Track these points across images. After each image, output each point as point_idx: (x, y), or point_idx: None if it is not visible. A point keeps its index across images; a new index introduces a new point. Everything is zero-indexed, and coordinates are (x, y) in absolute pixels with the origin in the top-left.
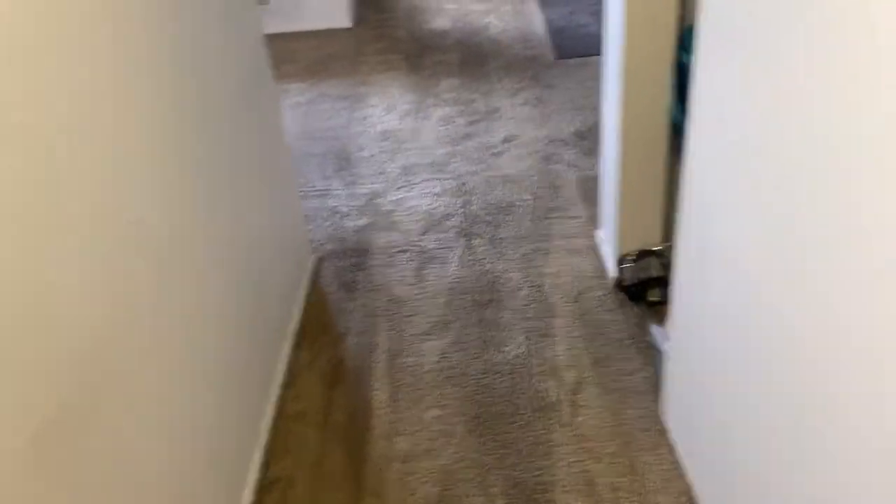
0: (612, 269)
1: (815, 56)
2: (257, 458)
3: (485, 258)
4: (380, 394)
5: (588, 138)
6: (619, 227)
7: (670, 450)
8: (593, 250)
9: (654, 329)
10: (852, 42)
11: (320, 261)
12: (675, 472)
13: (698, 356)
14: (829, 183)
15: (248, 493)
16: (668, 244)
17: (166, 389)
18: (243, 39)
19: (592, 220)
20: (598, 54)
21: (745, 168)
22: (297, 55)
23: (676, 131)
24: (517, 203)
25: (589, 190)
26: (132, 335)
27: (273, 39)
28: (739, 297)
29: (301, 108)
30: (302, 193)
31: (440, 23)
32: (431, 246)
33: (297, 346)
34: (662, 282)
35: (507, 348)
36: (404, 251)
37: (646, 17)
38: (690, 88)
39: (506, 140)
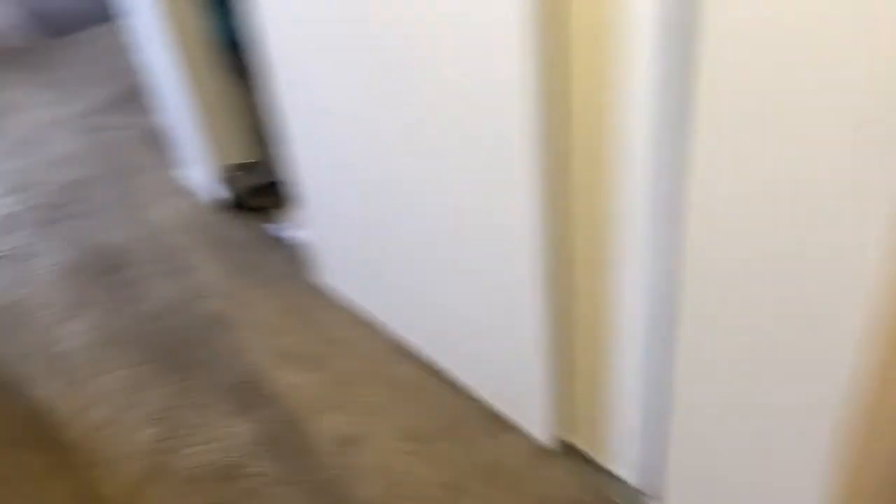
0: (210, 195)
1: None
2: None
3: (82, 234)
4: (44, 391)
5: (130, 100)
6: (207, 158)
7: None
8: (184, 189)
9: (270, 227)
10: None
11: None
12: (356, 316)
13: (337, 211)
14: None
15: None
16: (255, 160)
17: None
18: None
19: (173, 166)
20: (91, 27)
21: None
22: None
23: (229, 48)
24: (88, 180)
25: (154, 144)
26: None
27: None
28: (352, 147)
29: None
30: None
31: None
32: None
33: None
34: (261, 189)
35: (156, 295)
36: None
37: None
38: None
39: (37, 126)
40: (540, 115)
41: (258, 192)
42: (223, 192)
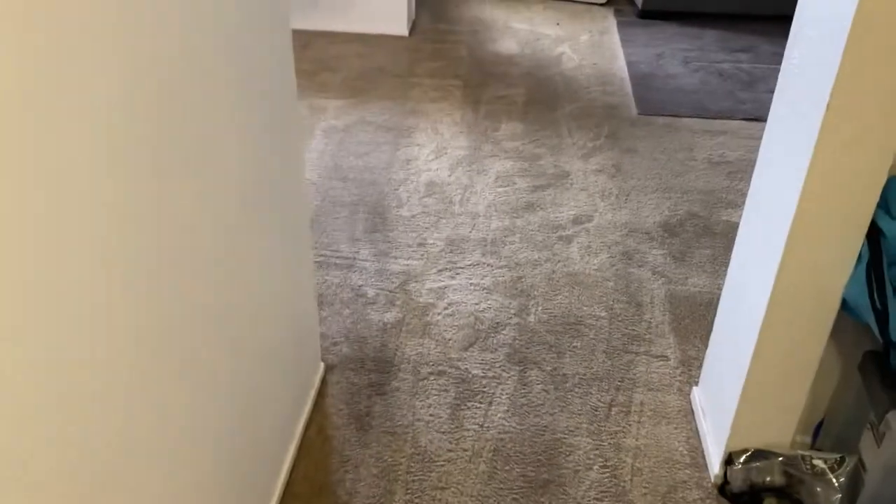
0: (714, 461)
1: None
2: None
3: (543, 405)
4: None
5: (679, 235)
6: (735, 410)
7: None
8: (688, 418)
9: None
10: None
11: (329, 371)
12: None
13: None
14: None
15: None
16: (800, 452)
17: None
18: (265, 37)
19: (686, 366)
20: (690, 116)
21: None
22: (340, 63)
23: (848, 312)
24: (588, 321)
25: (680, 316)
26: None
27: (314, 38)
28: None
29: (336, 136)
30: (321, 259)
31: (507, 45)
32: (475, 371)
33: None
34: (783, 495)
35: None
36: (440, 373)
37: (842, 145)
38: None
39: (576, 221)
40: None
41: (761, 494)
42: (723, 471)
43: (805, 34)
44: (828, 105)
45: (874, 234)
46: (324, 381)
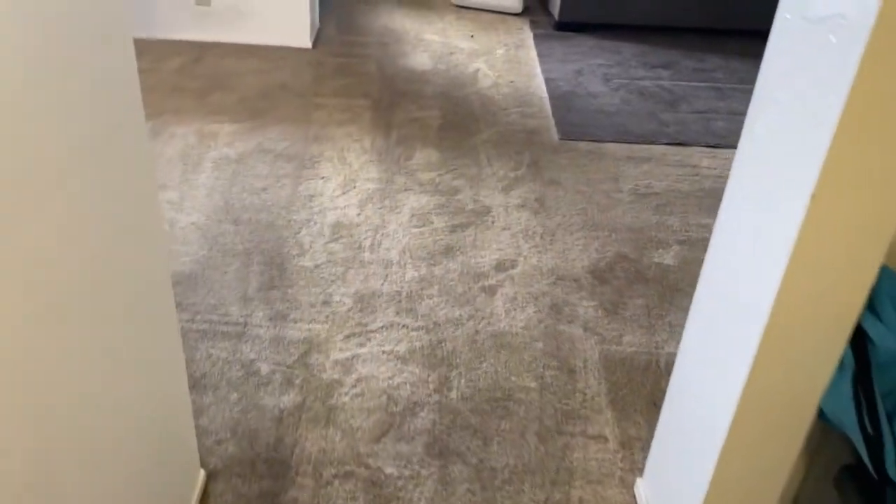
0: None
1: None
2: None
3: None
4: None
5: (609, 282)
6: None
7: None
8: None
9: None
10: None
11: (211, 480)
12: None
13: None
14: None
15: None
16: None
17: None
18: (95, 49)
19: (628, 449)
20: (613, 140)
21: None
22: (236, 80)
23: (826, 422)
24: (517, 394)
25: (618, 384)
26: None
27: (206, 51)
28: None
29: (228, 167)
30: (205, 326)
31: (419, 59)
32: (389, 470)
33: None
34: None
35: None
36: (346, 475)
37: (826, 236)
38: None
39: (500, 267)
40: None
41: None
42: None
43: (775, 99)
44: (813, 195)
45: (859, 340)
46: (205, 494)
